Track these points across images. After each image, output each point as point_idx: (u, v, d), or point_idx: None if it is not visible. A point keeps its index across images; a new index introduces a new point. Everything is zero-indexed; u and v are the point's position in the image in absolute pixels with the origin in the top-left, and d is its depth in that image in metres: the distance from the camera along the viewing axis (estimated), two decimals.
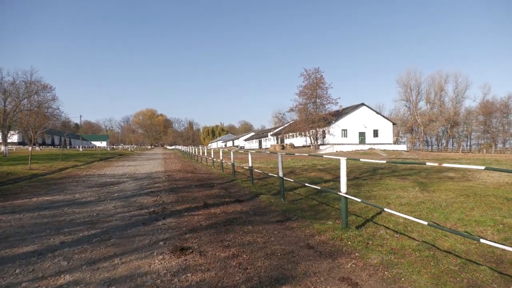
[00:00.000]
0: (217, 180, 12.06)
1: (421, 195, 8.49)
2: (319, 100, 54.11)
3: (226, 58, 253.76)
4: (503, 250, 3.77)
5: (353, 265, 3.76)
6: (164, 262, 3.77)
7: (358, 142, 57.31)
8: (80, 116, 73.66)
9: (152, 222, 5.72)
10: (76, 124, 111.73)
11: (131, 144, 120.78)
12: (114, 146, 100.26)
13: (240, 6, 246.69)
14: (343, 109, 62.69)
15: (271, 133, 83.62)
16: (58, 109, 52.40)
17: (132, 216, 6.20)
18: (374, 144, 56.22)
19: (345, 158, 5.28)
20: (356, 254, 4.13)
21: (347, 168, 17.18)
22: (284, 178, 7.98)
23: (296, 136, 64.61)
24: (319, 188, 6.62)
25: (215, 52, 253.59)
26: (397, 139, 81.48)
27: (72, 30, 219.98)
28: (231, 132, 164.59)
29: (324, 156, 6.45)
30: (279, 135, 73.40)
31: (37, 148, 58.55)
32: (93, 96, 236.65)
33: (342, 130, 56.96)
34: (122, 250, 4.20)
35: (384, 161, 4.61)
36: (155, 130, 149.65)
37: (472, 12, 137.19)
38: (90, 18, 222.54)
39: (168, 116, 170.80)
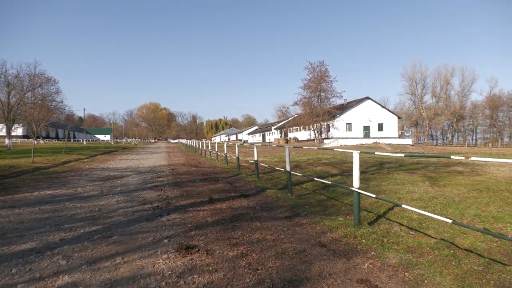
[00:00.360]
0: (222, 174, 11.84)
1: (432, 190, 8.22)
2: (323, 94, 53.61)
3: (229, 52, 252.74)
4: None
5: (370, 265, 3.52)
6: (169, 262, 3.54)
7: (362, 136, 56.83)
8: (84, 109, 73.64)
9: (156, 218, 5.50)
10: (80, 118, 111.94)
11: (135, 138, 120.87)
12: (118, 140, 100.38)
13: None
14: (347, 102, 62.11)
15: (275, 127, 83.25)
16: (62, 102, 52.58)
17: (135, 211, 5.98)
18: (379, 138, 55.71)
19: (358, 151, 5.01)
20: (372, 253, 3.89)
21: (352, 162, 16.97)
22: (291, 172, 7.73)
23: (300, 130, 64.23)
24: (329, 183, 6.35)
25: (218, 46, 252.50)
26: (402, 133, 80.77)
27: (76, 23, 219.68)
28: (235, 126, 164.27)
29: (335, 149, 6.19)
30: (283, 129, 73.07)
31: (41, 141, 58.68)
32: (97, 89, 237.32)
33: (346, 124, 56.47)
34: (125, 248, 3.98)
35: (402, 155, 4.32)
36: (158, 123, 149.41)
37: (479, 5, 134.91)
38: (94, 11, 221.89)
39: (171, 109, 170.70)
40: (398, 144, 51.05)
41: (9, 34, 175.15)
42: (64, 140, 54.96)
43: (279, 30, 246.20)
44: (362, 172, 11.80)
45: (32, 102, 44.20)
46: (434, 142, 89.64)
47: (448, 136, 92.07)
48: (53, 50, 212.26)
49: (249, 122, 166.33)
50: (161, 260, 3.59)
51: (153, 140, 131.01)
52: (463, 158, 3.22)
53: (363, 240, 4.35)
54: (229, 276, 3.20)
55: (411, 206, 6.44)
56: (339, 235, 4.58)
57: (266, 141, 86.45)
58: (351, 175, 11.35)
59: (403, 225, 5.25)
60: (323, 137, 56.10)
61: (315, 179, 6.95)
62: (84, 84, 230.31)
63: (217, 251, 3.87)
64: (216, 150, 18.73)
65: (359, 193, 4.97)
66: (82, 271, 3.33)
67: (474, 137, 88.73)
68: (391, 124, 59.59)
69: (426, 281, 3.15)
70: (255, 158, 10.70)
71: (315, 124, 54.30)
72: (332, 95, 53.64)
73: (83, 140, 71.48)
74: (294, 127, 66.52)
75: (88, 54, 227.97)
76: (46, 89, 48.87)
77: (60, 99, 51.90)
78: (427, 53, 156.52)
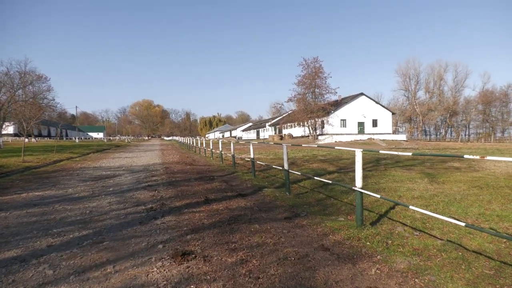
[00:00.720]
0: (217, 173, 11.60)
1: (431, 187, 8.09)
2: (318, 90, 53.48)
3: (223, 49, 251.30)
4: None
5: (377, 271, 3.32)
6: (164, 271, 3.30)
7: (357, 132, 56.90)
8: (76, 107, 72.95)
9: (149, 220, 5.26)
10: (73, 115, 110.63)
11: (128, 135, 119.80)
12: (111, 137, 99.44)
13: None
14: (342, 99, 62.05)
15: (269, 123, 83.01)
16: (54, 100, 51.72)
17: (128, 213, 5.73)
18: (373, 134, 55.83)
19: (361, 150, 4.81)
20: (378, 257, 3.70)
21: (348, 158, 16.90)
22: (289, 171, 7.53)
23: (295, 127, 64.12)
24: (330, 182, 6.14)
25: (211, 42, 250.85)
26: (396, 128, 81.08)
27: (67, 19, 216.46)
28: (229, 122, 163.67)
29: (336, 147, 5.97)
30: (277, 126, 72.87)
31: (33, 139, 57.79)
32: (89, 87, 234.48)
33: (341, 120, 56.45)
34: (116, 255, 3.73)
35: (410, 153, 4.12)
36: (152, 121, 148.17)
37: (472, 1, 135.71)
38: (85, 7, 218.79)
39: (165, 106, 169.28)
40: (393, 140, 51.18)
41: None
42: (56, 138, 54.08)
43: (273, 26, 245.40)
44: None
45: (23, 100, 43.36)
46: (428, 137, 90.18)
47: (441, 131, 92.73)
48: (44, 48, 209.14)
49: (243, 118, 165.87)
50: (155, 269, 3.35)
51: (146, 138, 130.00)
52: (477, 157, 3.02)
53: (367, 243, 4.16)
54: (228, 286, 2.97)
55: (413, 205, 6.31)
56: (342, 237, 4.39)
57: (261, 137, 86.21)
58: (348, 172, 11.19)
59: (406, 225, 5.08)
60: (317, 134, 56.02)
61: (315, 177, 6.74)
62: (76, 81, 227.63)
63: (215, 257, 3.64)
64: (211, 147, 18.46)
65: (362, 193, 4.78)
66: (70, 282, 3.09)
67: (467, 133, 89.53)
68: (385, 120, 59.73)
69: None
70: (252, 156, 10.47)
71: (309, 121, 54.18)
72: (327, 91, 53.58)
73: (75, 138, 70.65)
74: (288, 124, 66.34)
75: (80, 51, 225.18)
76: (37, 86, 48.06)
77: (52, 97, 51.14)
78: (421, 49, 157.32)
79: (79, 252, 3.86)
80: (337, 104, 57.50)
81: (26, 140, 54.03)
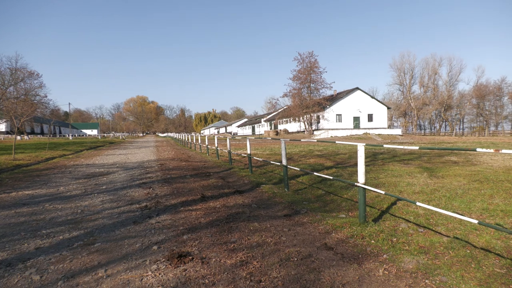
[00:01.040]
0: (213, 169, 11.38)
1: (431, 182, 7.95)
2: (313, 85, 53.32)
3: (217, 44, 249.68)
4: None
5: (385, 271, 3.15)
6: (159, 274, 3.09)
7: (352, 127, 56.90)
8: (69, 103, 71.76)
9: (144, 219, 5.04)
10: (66, 112, 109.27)
11: (123, 132, 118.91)
12: (105, 134, 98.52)
13: None
14: (337, 93, 61.97)
15: (264, 119, 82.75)
16: (46, 96, 50.88)
17: (122, 212, 5.51)
18: (368, 128, 55.89)
19: (363, 144, 4.63)
20: (385, 256, 3.53)
21: (345, 153, 16.78)
22: (288, 166, 7.34)
23: (290, 122, 63.95)
24: (330, 178, 5.95)
25: (205, 37, 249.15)
26: (391, 123, 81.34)
27: (60, 17, 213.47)
28: (224, 118, 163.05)
29: (337, 142, 5.79)
30: (273, 121, 72.63)
31: (26, 137, 56.96)
32: (82, 83, 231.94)
33: (336, 115, 56.39)
34: (108, 258, 3.52)
35: (417, 147, 3.94)
36: (146, 117, 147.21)
37: None
38: (79, 5, 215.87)
39: (159, 103, 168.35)
40: (388, 135, 51.28)
41: None
42: (49, 136, 53.41)
43: (268, 21, 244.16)
44: (356, 164, 11.48)
45: (15, 97, 42.63)
46: (422, 132, 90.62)
47: (436, 125, 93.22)
48: (36, 44, 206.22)
49: (238, 114, 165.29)
50: (150, 272, 3.14)
51: (141, 134, 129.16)
52: (492, 150, 2.85)
53: (372, 241, 3.99)
54: None
55: (415, 200, 6.17)
56: (345, 235, 4.22)
57: (256, 133, 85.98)
58: (346, 167, 11.03)
59: (410, 221, 4.93)
60: (313, 129, 55.92)
61: (314, 173, 6.56)
62: (69, 78, 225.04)
63: (214, 259, 3.44)
64: (207, 143, 18.23)
65: (364, 189, 4.60)
66: None
67: (461, 127, 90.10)
68: (381, 115, 59.77)
69: None
70: (248, 152, 10.27)
71: (305, 116, 54.05)
72: (322, 86, 53.46)
73: (69, 135, 69.79)
74: (284, 119, 66.15)
75: (73, 48, 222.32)
76: (29, 83, 47.25)
77: (44, 94, 50.32)
78: (415, 43, 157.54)
79: (69, 254, 3.64)
80: (333, 99, 57.40)
81: (19, 137, 53.32)
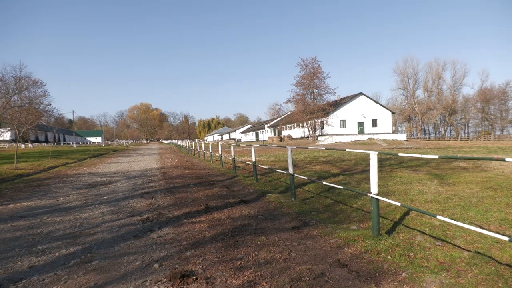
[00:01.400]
0: (217, 177, 11.14)
1: (442, 190, 7.65)
2: (316, 90, 53.14)
3: (220, 50, 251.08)
4: None
5: None
6: None
7: (357, 132, 56.50)
8: (73, 111, 71.88)
9: (145, 233, 4.79)
10: (70, 120, 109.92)
11: (126, 139, 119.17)
12: (109, 142, 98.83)
13: None
14: (341, 99, 61.70)
15: (268, 125, 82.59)
16: (50, 105, 51.19)
17: (122, 225, 5.27)
18: (373, 134, 55.45)
19: (376, 152, 4.38)
20: (404, 274, 3.26)
21: (351, 160, 16.48)
22: (295, 175, 7.09)
23: (294, 128, 63.70)
24: (341, 187, 5.68)
25: (209, 44, 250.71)
26: (395, 128, 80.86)
27: (63, 24, 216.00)
28: (227, 124, 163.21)
29: (347, 150, 5.54)
30: (276, 127, 72.42)
31: (30, 145, 57.18)
32: (86, 91, 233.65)
33: (340, 120, 56.04)
34: (106, 278, 3.27)
35: (436, 156, 3.69)
36: (150, 124, 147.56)
37: None
38: (82, 12, 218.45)
39: (163, 110, 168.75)
40: (393, 140, 50.86)
41: None
42: (52, 144, 53.51)
43: (270, 27, 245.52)
44: (364, 171, 11.20)
45: (19, 105, 42.85)
46: (427, 136, 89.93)
47: (440, 130, 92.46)
48: (40, 53, 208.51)
49: (242, 120, 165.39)
50: None
51: (145, 141, 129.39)
52: None
53: (388, 257, 3.72)
54: None
55: (427, 210, 5.88)
56: (359, 250, 3.95)
57: (260, 139, 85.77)
58: (353, 174, 10.73)
59: (425, 233, 4.65)
60: (317, 134, 55.61)
61: (323, 182, 6.30)
62: (73, 86, 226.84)
63: (219, 279, 3.19)
64: (210, 150, 18.01)
65: (378, 200, 4.34)
66: None
67: (466, 131, 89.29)
68: (385, 120, 59.35)
69: None
70: (253, 159, 10.03)
71: (309, 121, 53.77)
72: (326, 91, 53.22)
73: (73, 143, 70.03)
74: (287, 125, 65.93)
75: (77, 56, 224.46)
76: (33, 92, 47.58)
77: (48, 102, 50.60)
78: (419, 47, 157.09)
79: (64, 274, 3.40)
80: (337, 104, 57.12)
81: (23, 146, 53.49)
